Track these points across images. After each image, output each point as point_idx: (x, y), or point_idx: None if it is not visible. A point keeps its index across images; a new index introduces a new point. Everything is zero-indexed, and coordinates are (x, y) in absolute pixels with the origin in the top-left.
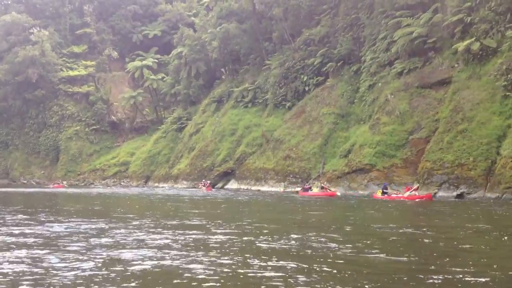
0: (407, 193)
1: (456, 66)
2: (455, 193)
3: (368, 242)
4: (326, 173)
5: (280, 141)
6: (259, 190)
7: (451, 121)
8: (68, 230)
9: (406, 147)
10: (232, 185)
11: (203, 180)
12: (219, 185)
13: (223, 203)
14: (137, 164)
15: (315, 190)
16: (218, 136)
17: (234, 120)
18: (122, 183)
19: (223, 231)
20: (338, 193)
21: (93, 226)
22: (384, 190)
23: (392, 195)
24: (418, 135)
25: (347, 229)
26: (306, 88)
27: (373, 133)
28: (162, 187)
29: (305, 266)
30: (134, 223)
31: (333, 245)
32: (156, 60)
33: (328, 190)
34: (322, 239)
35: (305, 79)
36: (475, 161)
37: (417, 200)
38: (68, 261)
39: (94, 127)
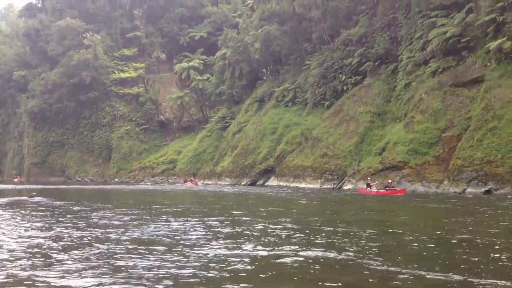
0: None
1: (488, 65)
2: (483, 189)
3: None
4: (361, 170)
5: (318, 139)
6: (297, 187)
7: (482, 119)
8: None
9: (439, 145)
10: (272, 182)
11: (389, 181)
12: (260, 182)
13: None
14: (184, 162)
15: None
16: (260, 135)
17: (275, 119)
18: (169, 180)
19: None
20: None
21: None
22: None
23: None
24: (450, 132)
25: None
26: (344, 88)
27: (407, 131)
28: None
29: None
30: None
31: None
32: (202, 61)
33: None
34: None
35: (343, 79)
36: (503, 158)
37: None
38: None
39: (144, 126)
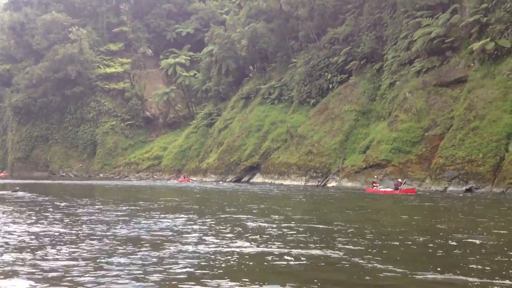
0: None
1: (472, 65)
2: (464, 188)
3: None
4: (345, 168)
5: (304, 137)
6: (282, 184)
7: (464, 119)
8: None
9: (422, 144)
10: (257, 179)
11: (399, 180)
12: (245, 179)
13: None
14: (169, 158)
15: None
16: (245, 132)
17: (260, 116)
18: (154, 176)
19: None
20: None
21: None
22: None
23: None
24: (433, 132)
25: None
26: (330, 86)
27: (390, 130)
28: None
29: None
30: None
31: None
32: (189, 58)
33: None
34: None
35: (329, 77)
36: (484, 157)
37: None
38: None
39: (129, 122)
